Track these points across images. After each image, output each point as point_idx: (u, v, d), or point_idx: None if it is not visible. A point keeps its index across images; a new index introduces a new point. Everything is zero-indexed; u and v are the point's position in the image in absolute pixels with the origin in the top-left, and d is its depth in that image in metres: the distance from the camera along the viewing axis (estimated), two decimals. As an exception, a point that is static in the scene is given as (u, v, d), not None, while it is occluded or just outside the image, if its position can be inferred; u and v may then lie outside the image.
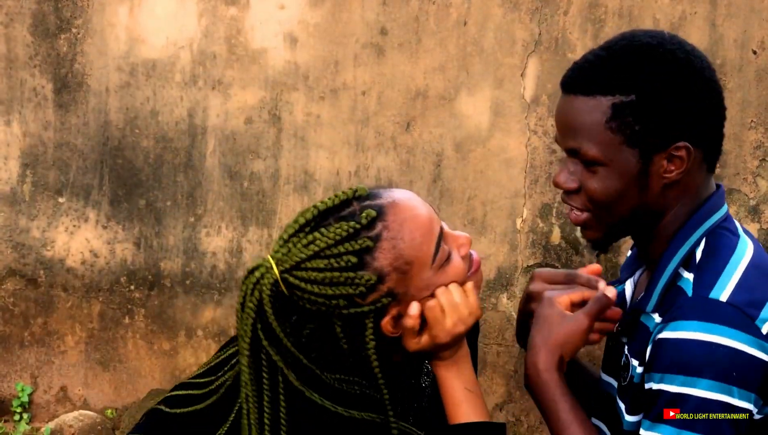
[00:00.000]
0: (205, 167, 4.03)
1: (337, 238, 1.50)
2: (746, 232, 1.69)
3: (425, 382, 1.76)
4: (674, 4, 3.67)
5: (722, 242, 1.63)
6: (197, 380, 1.72)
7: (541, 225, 3.84)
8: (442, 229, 1.59)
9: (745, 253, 1.61)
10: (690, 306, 1.55)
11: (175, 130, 4.02)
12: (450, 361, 1.65)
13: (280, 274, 1.52)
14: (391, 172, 3.91)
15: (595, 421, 1.80)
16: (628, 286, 1.81)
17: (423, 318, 1.59)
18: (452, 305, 1.59)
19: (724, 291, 1.55)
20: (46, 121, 4.07)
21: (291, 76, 3.94)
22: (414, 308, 1.57)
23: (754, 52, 3.63)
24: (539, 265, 3.86)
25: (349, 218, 1.52)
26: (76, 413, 4.11)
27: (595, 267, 1.75)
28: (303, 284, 1.51)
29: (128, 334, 4.14)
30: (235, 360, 1.65)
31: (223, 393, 1.64)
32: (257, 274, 1.53)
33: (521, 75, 3.82)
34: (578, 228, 1.90)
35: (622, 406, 1.69)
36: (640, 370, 1.63)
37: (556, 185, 1.68)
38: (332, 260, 1.50)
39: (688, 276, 1.61)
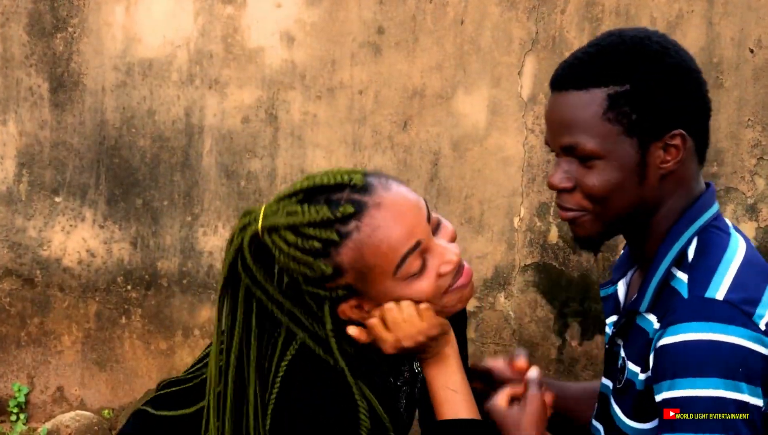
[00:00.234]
0: (201, 166, 4.02)
1: (312, 220, 1.54)
2: (737, 229, 1.69)
3: (400, 381, 1.76)
4: (671, 2, 3.67)
5: (714, 241, 1.63)
6: (181, 377, 1.74)
7: (538, 224, 3.84)
8: (419, 243, 1.56)
9: (737, 251, 1.61)
10: (687, 307, 1.54)
11: (172, 130, 4.02)
12: (432, 360, 1.65)
13: (261, 228, 1.58)
14: (388, 171, 3.90)
15: (594, 423, 1.80)
16: (621, 287, 1.80)
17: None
18: (395, 323, 1.59)
19: (719, 289, 1.54)
20: (43, 121, 4.06)
21: (288, 75, 3.93)
22: (352, 330, 1.61)
23: (751, 51, 3.63)
24: (537, 265, 3.86)
25: (333, 205, 1.55)
26: (72, 413, 4.10)
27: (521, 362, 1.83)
28: (273, 247, 1.57)
29: (125, 334, 4.14)
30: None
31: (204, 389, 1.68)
32: (246, 219, 1.61)
33: (518, 74, 3.81)
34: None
35: (617, 409, 1.68)
36: (642, 376, 1.61)
37: (551, 187, 1.67)
38: (300, 239, 1.54)
39: (682, 276, 1.60)
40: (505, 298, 3.90)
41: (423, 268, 1.58)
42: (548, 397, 1.73)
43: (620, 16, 3.72)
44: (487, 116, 3.85)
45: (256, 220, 1.59)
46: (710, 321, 1.51)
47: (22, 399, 4.20)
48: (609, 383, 1.76)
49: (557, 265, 3.86)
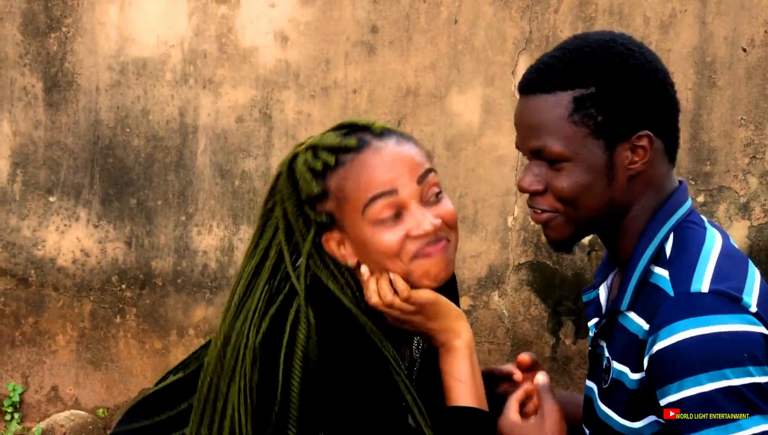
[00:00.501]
0: (196, 166, 4.02)
1: (325, 144, 1.70)
2: (712, 223, 1.70)
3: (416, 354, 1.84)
4: (664, 1, 3.68)
5: (691, 235, 1.64)
6: (160, 384, 1.82)
7: (532, 223, 3.85)
8: (392, 192, 1.66)
9: (714, 243, 1.62)
10: (675, 306, 1.54)
11: (166, 129, 4.02)
12: (443, 349, 1.75)
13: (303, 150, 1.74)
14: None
15: (584, 427, 1.81)
16: (603, 291, 1.81)
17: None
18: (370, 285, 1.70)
19: (703, 282, 1.55)
20: (37, 120, 4.06)
21: (282, 74, 3.94)
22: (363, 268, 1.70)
23: (744, 50, 3.64)
24: (531, 263, 3.86)
25: (348, 136, 1.70)
26: (67, 413, 4.10)
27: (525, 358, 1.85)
28: (296, 163, 1.72)
29: (120, 334, 4.13)
30: (202, 352, 1.78)
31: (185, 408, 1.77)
32: (300, 147, 1.76)
33: (512, 73, 3.82)
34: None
35: (606, 409, 1.69)
36: (634, 376, 1.61)
37: (522, 190, 1.68)
38: (312, 158, 1.70)
39: (662, 272, 1.61)
40: (499, 297, 3.91)
41: (395, 222, 1.66)
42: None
43: (613, 15, 3.73)
44: (481, 115, 3.86)
45: (304, 144, 1.75)
46: (701, 315, 1.51)
47: (16, 398, 4.20)
48: (593, 386, 1.76)
49: (551, 264, 3.87)
